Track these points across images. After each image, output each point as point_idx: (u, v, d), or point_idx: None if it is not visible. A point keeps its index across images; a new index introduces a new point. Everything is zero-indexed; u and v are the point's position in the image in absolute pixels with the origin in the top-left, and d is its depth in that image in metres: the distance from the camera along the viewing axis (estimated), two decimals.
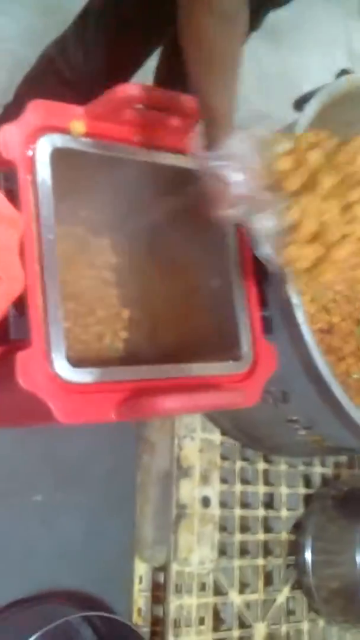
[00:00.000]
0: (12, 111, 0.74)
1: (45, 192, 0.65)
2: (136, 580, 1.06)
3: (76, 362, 0.64)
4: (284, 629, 1.14)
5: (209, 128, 0.65)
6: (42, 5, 1.50)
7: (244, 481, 1.14)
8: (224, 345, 0.75)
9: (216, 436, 1.09)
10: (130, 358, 0.82)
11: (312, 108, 0.84)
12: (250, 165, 0.65)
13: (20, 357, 0.60)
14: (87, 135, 0.70)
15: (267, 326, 0.76)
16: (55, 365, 0.62)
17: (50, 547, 0.99)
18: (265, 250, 0.67)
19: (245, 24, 0.63)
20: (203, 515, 1.06)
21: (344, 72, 0.91)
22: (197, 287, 0.79)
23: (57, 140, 0.68)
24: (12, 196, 0.63)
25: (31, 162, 0.66)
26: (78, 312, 0.81)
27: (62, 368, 0.62)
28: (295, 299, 0.77)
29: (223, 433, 1.10)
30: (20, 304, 0.59)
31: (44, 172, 0.66)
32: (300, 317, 0.76)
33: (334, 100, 0.89)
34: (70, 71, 1.07)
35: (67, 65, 1.07)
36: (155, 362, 0.71)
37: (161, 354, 0.80)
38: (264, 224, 0.66)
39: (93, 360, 0.79)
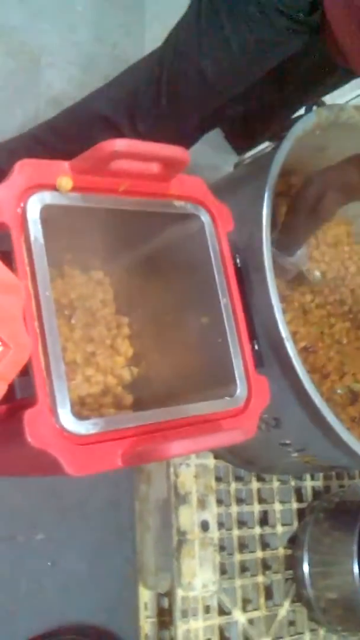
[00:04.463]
0: None
1: (38, 250, 0.67)
2: (142, 607, 1.08)
3: (80, 410, 0.66)
4: None
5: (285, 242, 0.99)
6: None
7: (239, 501, 1.16)
8: (218, 381, 0.77)
9: (210, 460, 1.12)
10: (131, 401, 0.84)
11: (287, 143, 0.87)
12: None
13: (28, 415, 0.62)
14: (74, 189, 0.72)
15: (259, 360, 0.79)
16: (61, 420, 0.64)
17: (56, 583, 1.01)
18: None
19: None
20: (203, 539, 1.09)
21: (319, 103, 0.95)
22: (189, 325, 0.82)
23: (46, 197, 0.69)
24: (8, 259, 0.64)
25: (22, 222, 0.67)
26: (78, 362, 0.83)
27: (69, 422, 0.64)
28: (283, 332, 0.80)
29: (216, 457, 1.13)
30: (24, 365, 0.61)
31: (35, 230, 0.68)
32: (291, 350, 0.79)
33: (306, 132, 0.92)
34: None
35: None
36: (154, 403, 0.73)
37: (159, 394, 0.82)
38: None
39: (93, 407, 0.81)
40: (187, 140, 1.01)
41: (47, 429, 0.63)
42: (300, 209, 0.93)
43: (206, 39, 0.92)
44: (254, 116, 1.35)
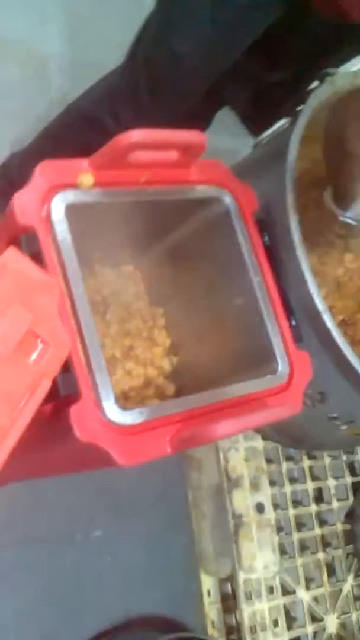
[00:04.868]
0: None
1: (67, 250, 0.68)
2: (205, 594, 1.09)
3: (125, 404, 0.66)
4: (354, 617, 1.17)
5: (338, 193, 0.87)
6: None
7: (292, 480, 1.16)
8: (259, 360, 0.77)
9: (259, 442, 1.12)
10: (173, 390, 0.85)
11: (304, 117, 0.87)
12: None
13: (74, 411, 0.62)
14: (96, 185, 0.72)
15: (297, 335, 0.78)
16: (107, 412, 0.64)
17: (118, 577, 1.02)
18: None
19: None
20: (259, 521, 1.09)
21: (325, 74, 0.93)
22: (224, 308, 0.82)
23: (69, 196, 0.70)
24: (38, 259, 0.65)
25: (48, 223, 0.68)
26: (117, 357, 0.84)
27: (114, 413, 0.65)
28: (320, 305, 0.80)
29: (264, 438, 1.13)
30: (65, 362, 0.61)
31: (62, 229, 0.68)
32: (329, 322, 0.78)
33: (322, 104, 0.91)
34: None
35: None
36: (197, 389, 0.73)
37: (201, 379, 0.82)
38: None
39: (136, 400, 0.82)
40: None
41: (94, 422, 0.63)
42: (329, 146, 0.87)
43: (173, 19, 0.92)
44: (265, 97, 1.34)
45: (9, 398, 0.51)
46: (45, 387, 0.55)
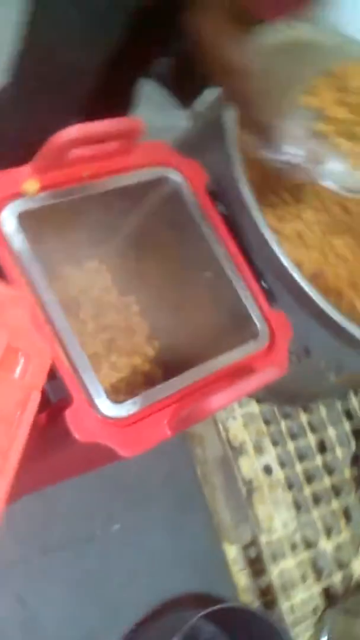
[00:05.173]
0: None
1: (27, 258, 0.68)
2: (231, 563, 1.10)
3: (116, 397, 0.67)
4: None
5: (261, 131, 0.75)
6: None
7: (294, 437, 1.18)
8: (238, 328, 0.78)
9: (254, 407, 1.13)
10: (161, 374, 0.86)
11: None
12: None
13: (69, 414, 0.63)
14: (42, 189, 0.72)
15: (271, 296, 0.79)
16: (101, 409, 0.65)
17: (145, 565, 1.03)
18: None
19: None
20: (270, 483, 1.10)
21: None
22: (194, 285, 0.82)
23: (17, 206, 0.70)
24: (1, 275, 0.65)
25: (2, 236, 0.68)
26: (99, 352, 0.84)
27: (108, 408, 0.65)
28: (286, 262, 0.81)
29: (259, 401, 1.14)
30: (50, 370, 0.62)
31: (18, 240, 0.68)
32: (297, 276, 0.79)
33: None
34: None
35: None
36: (184, 368, 0.74)
37: (186, 358, 0.83)
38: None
39: (127, 391, 0.82)
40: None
41: (90, 421, 0.64)
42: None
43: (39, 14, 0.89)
44: (183, 67, 1.32)
45: (1, 417, 0.51)
46: (35, 399, 0.55)
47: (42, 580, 0.95)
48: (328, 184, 0.78)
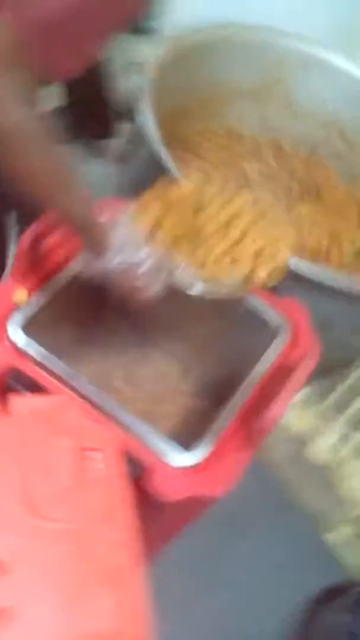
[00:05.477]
0: None
1: (50, 361, 0.70)
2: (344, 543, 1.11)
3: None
4: None
5: (86, 239, 0.72)
6: None
7: (345, 407, 1.19)
8: (259, 333, 0.80)
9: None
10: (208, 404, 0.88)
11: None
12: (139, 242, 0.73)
13: (156, 482, 0.64)
14: (30, 293, 0.74)
15: (274, 289, 0.81)
16: (179, 463, 0.66)
17: (270, 572, 1.05)
18: None
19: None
20: (343, 458, 1.13)
21: None
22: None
23: (18, 320, 0.72)
24: (34, 386, 0.67)
25: (17, 352, 0.70)
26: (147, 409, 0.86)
27: (185, 459, 0.67)
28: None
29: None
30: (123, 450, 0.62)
31: (34, 350, 0.70)
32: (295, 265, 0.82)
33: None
34: None
35: None
36: (225, 389, 0.76)
37: (222, 380, 0.85)
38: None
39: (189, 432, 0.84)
40: None
41: (176, 479, 0.65)
42: None
43: None
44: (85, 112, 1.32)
45: (107, 516, 0.52)
46: (124, 486, 0.56)
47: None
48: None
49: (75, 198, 0.69)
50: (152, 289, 0.74)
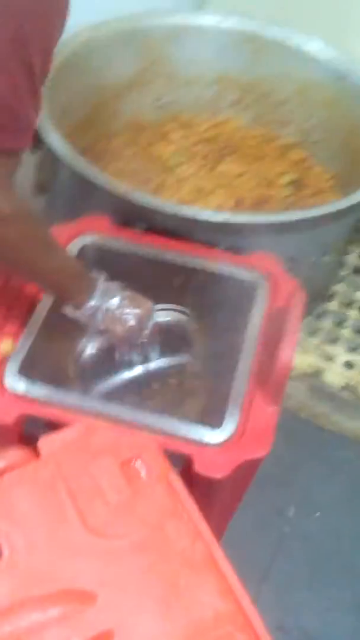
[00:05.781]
0: None
1: (55, 394, 0.71)
2: None
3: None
4: None
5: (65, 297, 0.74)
6: None
7: (342, 325, 1.21)
8: (239, 297, 0.81)
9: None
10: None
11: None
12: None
13: (199, 468, 0.65)
14: (15, 339, 0.74)
15: (236, 250, 0.82)
16: (216, 441, 0.68)
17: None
18: None
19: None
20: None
21: None
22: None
23: (11, 369, 0.72)
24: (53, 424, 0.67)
25: (18, 398, 0.70)
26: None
27: (220, 436, 0.68)
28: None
29: None
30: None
31: (39, 392, 0.71)
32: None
33: None
34: None
35: None
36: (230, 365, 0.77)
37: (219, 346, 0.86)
38: None
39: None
40: None
41: (218, 458, 0.66)
42: None
43: None
44: None
45: (167, 514, 0.53)
46: (173, 481, 0.56)
47: None
48: None
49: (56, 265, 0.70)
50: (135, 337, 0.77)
